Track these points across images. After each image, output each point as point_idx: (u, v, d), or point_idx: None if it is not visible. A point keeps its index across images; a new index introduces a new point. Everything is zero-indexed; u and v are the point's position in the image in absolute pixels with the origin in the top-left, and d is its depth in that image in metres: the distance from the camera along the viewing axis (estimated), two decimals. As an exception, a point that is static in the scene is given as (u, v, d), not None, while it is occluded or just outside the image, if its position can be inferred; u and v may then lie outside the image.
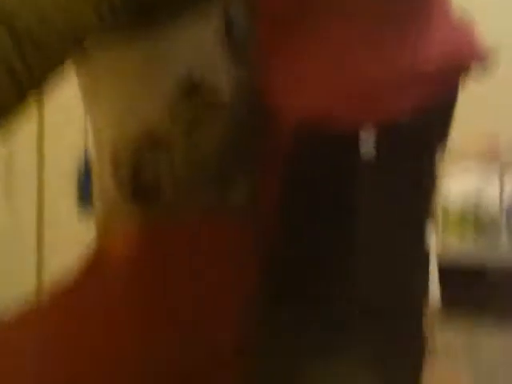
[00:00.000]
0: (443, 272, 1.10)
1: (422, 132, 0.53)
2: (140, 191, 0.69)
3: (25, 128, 1.35)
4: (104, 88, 0.72)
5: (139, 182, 0.68)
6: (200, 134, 0.67)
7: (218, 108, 0.66)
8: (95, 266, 0.68)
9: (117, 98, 0.71)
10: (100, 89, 0.72)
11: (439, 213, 1.47)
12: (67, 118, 1.49)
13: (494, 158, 1.69)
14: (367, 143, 0.50)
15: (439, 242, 1.41)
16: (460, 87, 0.54)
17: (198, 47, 0.65)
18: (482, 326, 1.39)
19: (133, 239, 0.70)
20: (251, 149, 0.70)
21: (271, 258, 0.56)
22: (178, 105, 0.67)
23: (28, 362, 0.58)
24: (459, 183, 1.75)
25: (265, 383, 0.50)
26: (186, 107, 0.67)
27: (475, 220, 1.65)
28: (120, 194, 0.71)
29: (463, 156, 1.61)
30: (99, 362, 0.60)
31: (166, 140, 0.67)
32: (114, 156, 0.69)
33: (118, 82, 0.70)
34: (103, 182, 0.75)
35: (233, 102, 0.67)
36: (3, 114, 0.53)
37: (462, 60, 0.54)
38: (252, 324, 0.56)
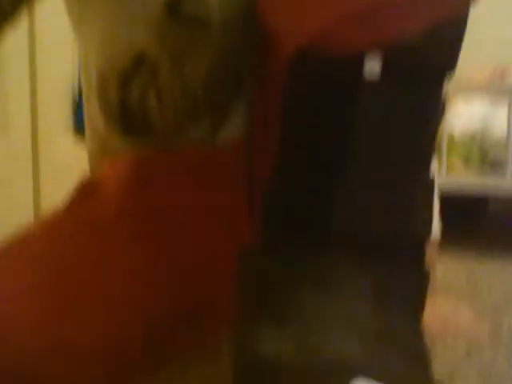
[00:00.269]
0: (446, 200, 1.10)
1: (430, 56, 0.50)
2: (128, 124, 0.67)
3: (17, 59, 1.31)
4: (89, 12, 0.68)
5: (127, 113, 0.66)
6: (188, 59, 0.64)
7: (207, 27, 0.63)
8: (87, 196, 0.68)
9: (102, 22, 0.67)
10: (85, 13, 0.69)
11: (444, 140, 1.44)
12: (59, 48, 1.45)
13: (501, 87, 1.66)
14: (371, 66, 0.48)
15: (443, 170, 1.39)
16: (469, 14, 0.51)
17: None
18: (483, 258, 1.39)
19: (123, 172, 0.70)
20: (245, 76, 0.68)
21: (269, 188, 0.54)
22: (163, 26, 0.63)
23: (25, 284, 0.57)
24: (466, 112, 1.73)
25: (262, 316, 0.49)
26: (172, 28, 0.64)
27: (480, 149, 1.63)
28: (109, 127, 0.69)
29: (470, 85, 1.59)
30: (90, 285, 0.60)
31: (154, 66, 0.64)
32: (101, 87, 0.67)
33: (102, 4, 0.66)
34: (92, 116, 0.74)
35: (224, 21, 0.63)
36: None
37: None
38: (248, 259, 0.54)
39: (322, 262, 0.48)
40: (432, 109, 0.52)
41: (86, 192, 0.68)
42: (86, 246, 0.63)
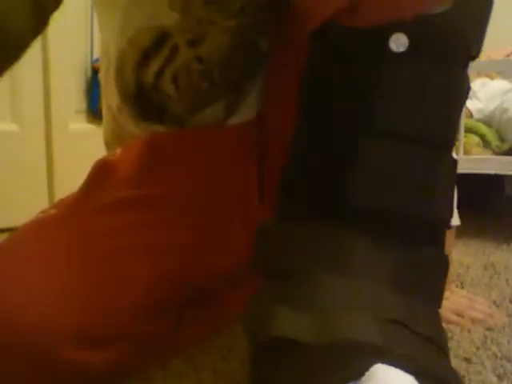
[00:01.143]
0: (462, 181, 1.08)
1: (457, 32, 0.49)
2: (143, 104, 0.67)
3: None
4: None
5: (142, 94, 0.65)
6: (208, 39, 0.62)
7: (229, 6, 0.61)
8: (102, 181, 0.68)
9: (126, 1, 0.66)
10: None
11: (462, 120, 1.42)
12: (72, 31, 1.44)
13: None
14: (398, 38, 0.47)
15: (461, 150, 1.37)
16: None
17: None
18: (500, 244, 1.37)
19: (139, 152, 0.70)
20: (262, 56, 0.67)
21: (288, 163, 0.53)
22: (186, 5, 0.62)
23: (45, 265, 0.57)
24: (484, 91, 1.71)
25: (278, 296, 0.48)
26: (195, 7, 0.62)
27: (498, 128, 1.61)
28: (124, 107, 0.69)
29: (490, 65, 1.56)
30: (108, 260, 0.60)
31: (174, 46, 0.63)
32: (119, 66, 0.66)
33: None
34: (108, 97, 0.74)
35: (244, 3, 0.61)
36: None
37: None
38: (265, 236, 0.53)
39: (339, 243, 0.47)
40: (457, 85, 0.50)
41: (101, 177, 0.68)
42: (102, 229, 0.63)
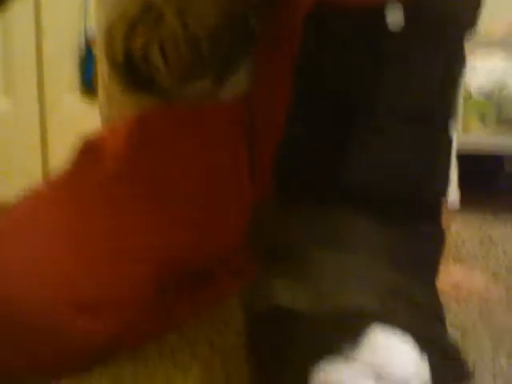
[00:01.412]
0: (461, 159, 1.07)
1: (452, 9, 0.49)
2: (132, 76, 0.66)
3: (22, 17, 1.29)
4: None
5: (131, 65, 0.65)
6: (194, 10, 0.61)
7: None
8: (90, 159, 0.68)
9: None
10: None
11: (460, 98, 1.40)
12: (65, 4, 1.43)
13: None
14: (394, 16, 0.47)
15: (459, 128, 1.36)
16: None
17: None
18: (498, 219, 1.37)
19: (130, 125, 0.70)
20: (253, 32, 0.66)
21: (283, 141, 0.54)
22: None
23: (44, 239, 0.58)
24: (482, 68, 1.69)
25: (276, 270, 0.48)
26: None
27: (497, 106, 1.59)
28: (114, 79, 0.69)
29: (486, 40, 1.54)
30: (100, 235, 0.61)
31: (159, 14, 0.62)
32: (108, 36, 0.65)
33: None
34: (101, 69, 0.75)
35: None
36: None
37: None
38: (261, 213, 0.53)
39: (335, 219, 0.47)
40: (454, 62, 0.51)
41: (89, 155, 0.68)
42: (90, 206, 0.63)
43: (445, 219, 0.53)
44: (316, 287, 0.43)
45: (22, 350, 0.53)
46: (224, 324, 0.70)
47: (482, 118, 1.53)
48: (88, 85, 1.48)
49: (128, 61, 0.64)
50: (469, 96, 1.59)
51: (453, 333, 0.66)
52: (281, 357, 0.40)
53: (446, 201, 0.51)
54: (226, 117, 0.70)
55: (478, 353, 0.61)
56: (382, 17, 0.46)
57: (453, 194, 0.83)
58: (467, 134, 1.41)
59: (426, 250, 0.49)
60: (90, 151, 0.69)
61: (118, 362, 0.61)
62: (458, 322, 0.60)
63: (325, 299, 0.43)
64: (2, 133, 1.38)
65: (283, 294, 0.44)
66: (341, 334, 0.40)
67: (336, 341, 0.39)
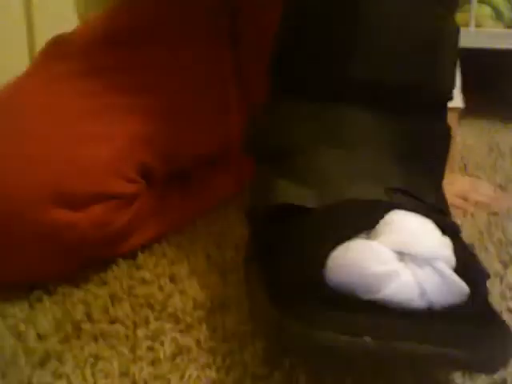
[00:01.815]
0: (474, 55, 1.01)
1: None
2: None
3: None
4: None
5: None
6: None
7: None
8: (63, 44, 0.68)
9: None
10: None
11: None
12: None
13: None
14: None
15: (472, 23, 1.28)
16: None
17: None
18: (507, 126, 1.32)
19: (101, 20, 0.70)
20: None
21: (279, 37, 0.49)
22: None
23: (17, 127, 0.57)
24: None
25: (280, 174, 0.45)
26: None
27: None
28: None
29: None
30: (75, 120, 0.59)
31: None
32: None
33: None
34: None
35: None
36: None
37: None
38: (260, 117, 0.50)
39: (338, 116, 0.44)
40: None
41: (57, 48, 0.67)
42: (72, 91, 0.61)
43: (451, 125, 0.50)
44: (322, 184, 0.42)
45: (8, 246, 0.53)
46: (221, 235, 0.69)
47: (496, 12, 1.45)
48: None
49: None
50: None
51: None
52: (294, 253, 0.38)
53: (451, 97, 0.48)
54: (205, 17, 0.70)
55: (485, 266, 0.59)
56: None
57: (457, 97, 0.78)
58: (479, 28, 1.33)
59: (431, 146, 0.47)
60: (58, 44, 0.67)
61: (112, 272, 0.59)
62: (464, 235, 0.57)
63: (333, 193, 0.41)
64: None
65: (291, 191, 0.42)
66: (354, 221, 0.37)
67: (353, 226, 0.37)
